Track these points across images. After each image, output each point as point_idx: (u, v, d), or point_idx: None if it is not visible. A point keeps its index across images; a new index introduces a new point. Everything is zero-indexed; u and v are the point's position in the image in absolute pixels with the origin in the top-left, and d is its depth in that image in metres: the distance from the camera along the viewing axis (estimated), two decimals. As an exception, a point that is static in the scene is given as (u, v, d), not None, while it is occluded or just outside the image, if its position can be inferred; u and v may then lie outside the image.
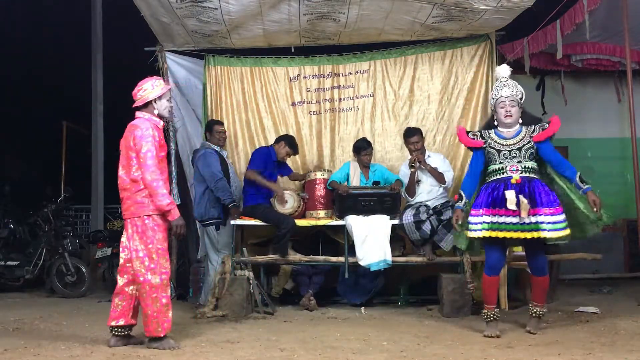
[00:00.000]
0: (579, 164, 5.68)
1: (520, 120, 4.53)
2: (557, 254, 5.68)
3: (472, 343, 4.21)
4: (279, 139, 6.22)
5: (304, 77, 6.84)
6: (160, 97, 4.29)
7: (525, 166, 4.43)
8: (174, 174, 6.55)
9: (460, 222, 4.61)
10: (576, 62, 7.15)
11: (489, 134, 4.58)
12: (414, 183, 5.83)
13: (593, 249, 5.85)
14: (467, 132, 4.72)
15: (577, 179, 4.40)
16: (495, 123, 4.59)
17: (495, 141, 4.53)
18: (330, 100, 6.80)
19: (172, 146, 6.56)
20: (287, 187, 6.24)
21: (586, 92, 7.98)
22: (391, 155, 6.70)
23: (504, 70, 4.60)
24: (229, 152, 6.53)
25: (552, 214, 4.26)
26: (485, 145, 4.57)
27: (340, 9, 5.74)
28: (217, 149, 6.03)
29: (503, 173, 4.45)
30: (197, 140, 6.72)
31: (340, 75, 6.81)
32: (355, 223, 5.66)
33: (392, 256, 5.62)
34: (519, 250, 5.24)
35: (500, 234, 4.35)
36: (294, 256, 5.84)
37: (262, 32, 6.20)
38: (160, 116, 4.32)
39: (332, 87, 6.80)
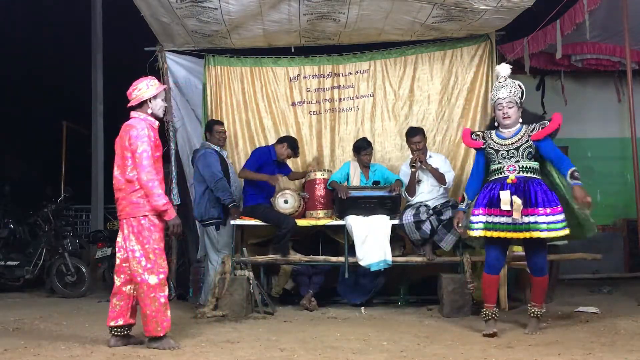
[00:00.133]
0: (579, 164, 5.66)
1: (521, 120, 4.53)
2: (557, 254, 5.68)
3: (472, 343, 4.20)
4: (281, 140, 6.20)
5: (304, 77, 6.83)
6: (155, 97, 4.28)
7: (523, 166, 4.42)
8: (174, 174, 6.55)
9: (461, 224, 4.62)
10: (576, 62, 7.15)
11: (490, 134, 4.60)
12: (414, 183, 5.83)
13: (593, 249, 5.85)
14: (471, 133, 4.74)
15: (569, 174, 4.29)
16: (496, 124, 4.60)
17: (495, 141, 4.53)
18: (330, 100, 6.80)
19: (172, 146, 6.54)
20: (287, 187, 6.23)
21: (586, 92, 7.98)
22: (391, 155, 6.70)
23: (503, 69, 4.60)
24: (229, 152, 6.52)
25: (549, 214, 4.25)
26: (484, 146, 4.58)
27: (340, 9, 5.74)
28: (217, 149, 6.03)
29: (501, 173, 4.46)
30: (197, 140, 6.72)
31: (340, 75, 6.81)
32: (355, 223, 5.66)
33: (392, 256, 5.62)
34: (519, 250, 5.24)
35: (495, 234, 4.36)
36: (294, 256, 5.84)
37: (262, 32, 6.20)
38: (154, 116, 4.31)
39: (332, 87, 6.80)
